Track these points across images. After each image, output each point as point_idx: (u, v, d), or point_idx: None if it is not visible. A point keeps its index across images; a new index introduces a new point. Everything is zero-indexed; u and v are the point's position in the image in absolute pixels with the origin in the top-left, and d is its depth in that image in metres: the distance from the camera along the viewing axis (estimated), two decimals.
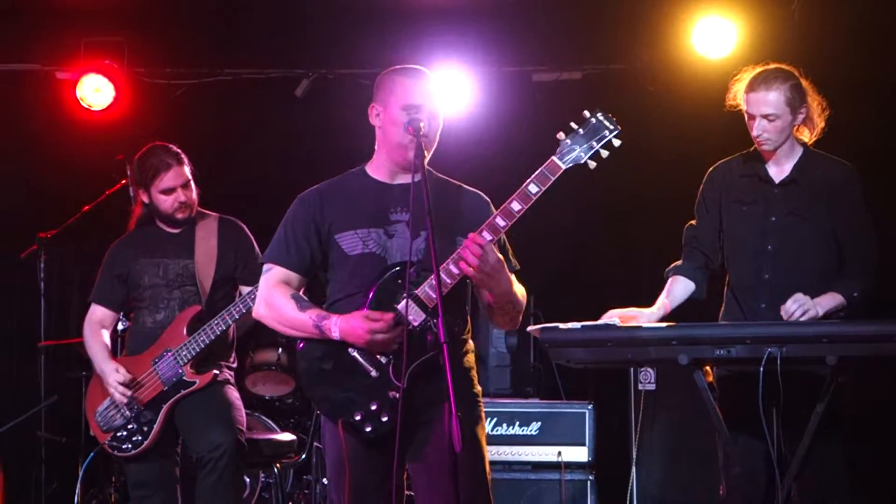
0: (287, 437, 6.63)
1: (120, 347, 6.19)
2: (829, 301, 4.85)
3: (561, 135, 4.13)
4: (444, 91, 4.23)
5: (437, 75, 7.55)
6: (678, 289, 5.13)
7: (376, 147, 4.33)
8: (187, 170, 5.67)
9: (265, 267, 4.30)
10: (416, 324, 4.04)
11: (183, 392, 5.54)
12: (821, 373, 4.61)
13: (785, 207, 5.03)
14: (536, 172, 4.07)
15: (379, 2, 7.64)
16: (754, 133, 4.98)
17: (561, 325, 4.66)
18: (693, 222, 5.24)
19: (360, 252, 4.15)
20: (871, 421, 6.85)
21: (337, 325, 4.05)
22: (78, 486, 6.98)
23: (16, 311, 8.07)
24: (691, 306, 5.14)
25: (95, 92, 7.93)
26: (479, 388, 4.31)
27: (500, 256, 4.06)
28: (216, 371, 5.58)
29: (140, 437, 5.55)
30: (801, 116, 5.00)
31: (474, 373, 4.32)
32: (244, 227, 5.85)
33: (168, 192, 5.62)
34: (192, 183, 5.69)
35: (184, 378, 5.53)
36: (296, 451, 6.88)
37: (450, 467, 3.77)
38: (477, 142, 7.84)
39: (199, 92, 8.17)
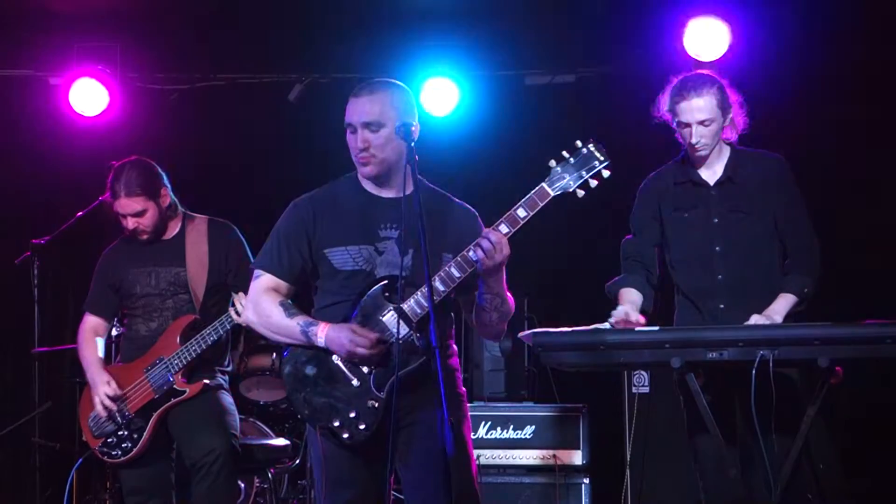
0: (281, 442, 6.63)
1: (114, 354, 6.18)
2: (784, 305, 4.93)
3: (552, 162, 4.19)
4: (392, 101, 4.25)
5: (430, 83, 7.74)
6: (634, 298, 5.15)
7: None
8: (142, 199, 5.59)
9: (255, 273, 4.37)
10: (400, 336, 4.10)
11: (174, 400, 5.53)
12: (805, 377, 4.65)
13: (725, 206, 5.09)
14: (526, 197, 4.16)
15: (372, 6, 7.64)
16: (692, 140, 5.02)
17: (553, 329, 4.67)
18: (630, 237, 5.28)
19: (351, 269, 4.22)
20: (869, 422, 6.88)
21: (324, 333, 4.14)
22: (67, 491, 6.97)
23: (9, 317, 8.05)
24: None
25: (88, 97, 7.93)
26: (463, 389, 4.40)
27: (508, 252, 4.12)
28: (207, 380, 5.57)
29: (129, 444, 5.54)
30: (728, 117, 5.06)
31: (458, 374, 4.40)
32: (235, 228, 5.83)
33: (122, 216, 5.65)
34: (149, 211, 5.62)
35: (174, 387, 5.53)
36: (290, 456, 6.89)
37: (443, 469, 3.79)
38: (470, 145, 7.85)
39: (192, 97, 8.17)
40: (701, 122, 5.00)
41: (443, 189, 4.43)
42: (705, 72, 5.17)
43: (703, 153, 5.08)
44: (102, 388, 5.56)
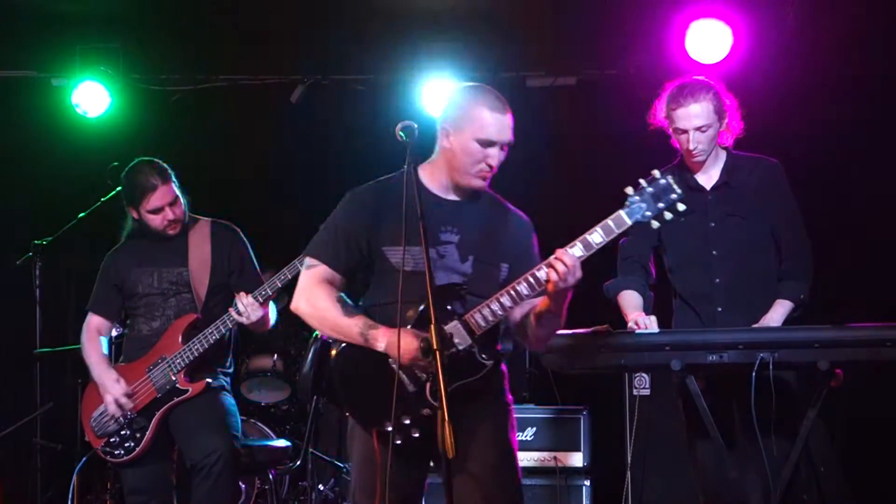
0: (282, 443, 6.64)
1: (116, 354, 6.19)
2: (781, 313, 4.95)
3: (629, 190, 4.10)
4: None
5: (432, 84, 7.76)
6: (636, 300, 5.16)
7: (438, 158, 4.27)
8: (174, 186, 5.64)
9: (308, 261, 4.28)
10: (461, 347, 4.06)
11: (176, 400, 5.54)
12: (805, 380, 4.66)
13: (721, 211, 5.10)
14: (601, 223, 4.09)
15: (373, 8, 7.64)
16: (690, 146, 5.04)
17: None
18: (627, 238, 5.29)
19: (410, 269, 4.09)
20: (870, 425, 6.88)
21: (384, 338, 4.05)
22: (70, 492, 6.98)
23: (11, 317, 8.06)
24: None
25: (91, 98, 7.94)
26: (510, 398, 4.37)
27: (580, 276, 4.06)
28: (209, 380, 5.58)
29: (132, 444, 5.55)
30: (724, 122, 5.07)
31: (506, 382, 4.36)
32: (238, 230, 5.84)
33: (156, 211, 5.61)
34: (180, 199, 5.66)
35: (177, 386, 5.53)
36: (291, 457, 6.89)
37: (445, 470, 3.80)
38: None
39: (194, 98, 8.18)
40: (698, 129, 5.01)
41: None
42: (700, 78, 5.18)
43: (700, 159, 5.10)
44: (113, 386, 5.56)
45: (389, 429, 4.04)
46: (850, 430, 6.66)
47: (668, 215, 4.07)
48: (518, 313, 4.24)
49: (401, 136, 4.11)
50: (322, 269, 4.23)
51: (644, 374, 6.37)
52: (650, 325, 5.01)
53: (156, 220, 5.62)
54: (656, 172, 4.09)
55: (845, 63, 7.21)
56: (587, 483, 6.68)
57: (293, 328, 7.96)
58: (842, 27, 7.18)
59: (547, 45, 7.92)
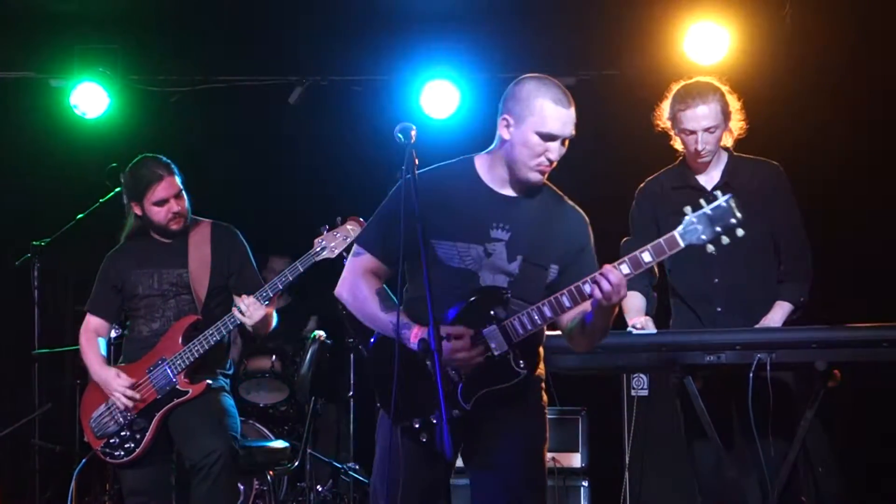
0: (280, 444, 6.64)
1: (115, 355, 6.20)
2: (781, 315, 4.97)
3: (688, 209, 3.97)
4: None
5: (431, 85, 7.76)
6: (639, 302, 5.17)
7: (498, 150, 4.16)
8: (178, 179, 5.66)
9: (356, 249, 4.23)
10: (497, 353, 4.01)
11: (176, 401, 5.54)
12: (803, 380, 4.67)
13: None
14: (654, 242, 3.97)
15: (372, 9, 7.65)
16: (698, 147, 5.04)
17: (552, 332, 4.68)
18: (629, 239, 5.30)
19: (457, 266, 4.07)
20: (867, 425, 6.88)
21: (417, 339, 3.97)
22: (70, 494, 6.98)
23: (10, 318, 8.07)
24: None
25: (89, 99, 7.94)
26: (545, 400, 4.30)
27: (625, 293, 3.98)
28: (209, 381, 5.58)
29: (132, 445, 5.55)
30: (729, 123, 5.08)
31: (542, 388, 4.29)
32: (238, 232, 5.84)
33: (161, 203, 5.61)
34: (184, 192, 5.68)
35: (177, 387, 5.53)
36: (289, 458, 6.89)
37: (445, 471, 3.88)
38: (470, 148, 7.82)
39: (192, 99, 8.18)
40: (706, 130, 5.01)
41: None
42: (707, 79, 5.17)
43: (706, 160, 5.10)
44: (115, 382, 5.55)
45: (416, 426, 4.02)
46: (848, 430, 6.67)
47: (724, 239, 3.92)
48: (566, 317, 4.14)
49: (399, 138, 4.06)
50: (367, 259, 4.19)
51: (642, 375, 6.38)
52: (647, 326, 5.02)
53: (160, 214, 5.63)
54: (718, 193, 3.97)
55: (842, 64, 7.21)
56: (585, 484, 6.69)
57: (292, 330, 7.97)
58: (838, 28, 7.19)
59: (545, 45, 7.93)
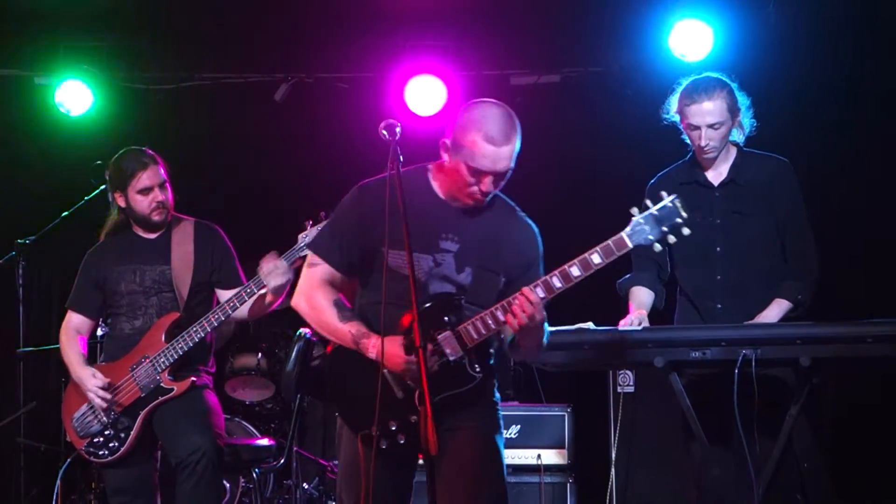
0: (266, 442, 6.63)
1: (98, 353, 6.18)
2: (777, 312, 4.96)
3: (634, 211, 4.04)
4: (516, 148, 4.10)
5: (419, 80, 7.76)
6: (644, 297, 5.17)
7: (445, 163, 4.17)
8: (163, 171, 5.68)
9: (311, 258, 4.26)
10: (452, 358, 4.05)
11: (160, 399, 5.53)
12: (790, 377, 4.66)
13: (727, 208, 5.11)
14: (602, 244, 4.03)
15: (357, 6, 7.64)
16: (701, 143, 5.04)
17: None
18: None
19: (406, 273, 4.02)
20: (853, 422, 6.90)
21: (375, 348, 4.03)
22: (55, 492, 6.96)
23: None
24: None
25: (74, 97, 7.92)
26: (498, 396, 4.36)
27: (545, 315, 4.06)
28: (194, 378, 5.57)
29: (117, 444, 5.54)
30: (737, 120, 5.08)
31: (495, 383, 4.35)
32: (220, 230, 5.84)
33: (145, 192, 5.62)
34: (168, 184, 5.69)
35: (161, 385, 5.52)
36: (275, 455, 6.87)
37: (428, 468, 3.81)
38: None
39: (178, 96, 8.16)
40: (711, 126, 5.01)
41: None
42: (715, 75, 5.17)
43: (711, 156, 5.10)
44: (91, 381, 5.54)
45: (375, 433, 4.04)
46: (834, 427, 6.69)
47: (671, 239, 4.01)
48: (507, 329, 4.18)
49: (384, 135, 4.09)
50: (323, 269, 4.22)
51: (628, 372, 6.39)
52: (635, 322, 5.00)
53: (143, 203, 5.63)
54: (664, 194, 4.03)
55: (827, 60, 7.22)
56: (571, 480, 6.68)
57: (278, 327, 7.96)
58: (823, 24, 7.20)
59: (531, 42, 7.93)
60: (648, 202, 4.00)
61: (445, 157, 4.13)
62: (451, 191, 4.16)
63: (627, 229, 4.01)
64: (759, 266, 5.09)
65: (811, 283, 5.06)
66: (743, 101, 5.14)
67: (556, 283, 4.02)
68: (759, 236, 5.10)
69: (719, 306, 5.09)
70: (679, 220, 3.99)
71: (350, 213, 4.21)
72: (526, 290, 3.99)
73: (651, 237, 3.99)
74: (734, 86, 5.13)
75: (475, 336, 4.04)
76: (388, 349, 4.00)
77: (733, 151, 5.19)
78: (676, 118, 5.16)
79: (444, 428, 4.06)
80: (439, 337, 4.05)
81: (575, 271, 4.00)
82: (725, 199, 5.12)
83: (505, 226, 4.23)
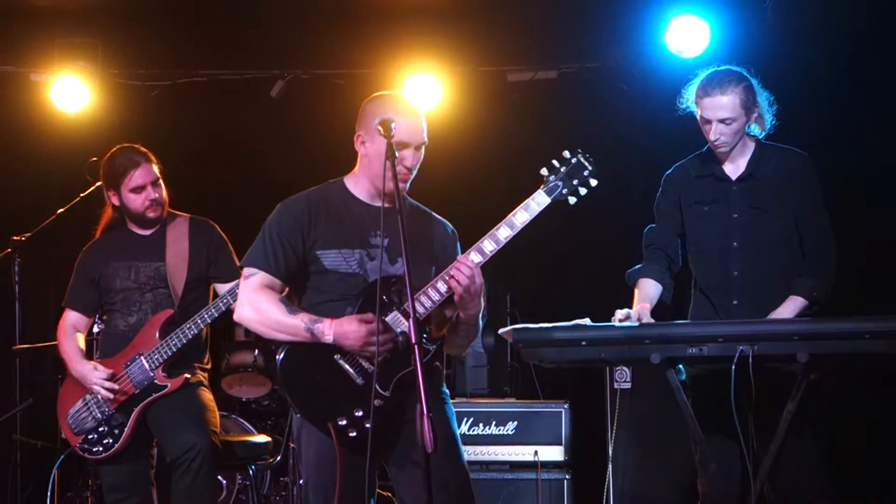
0: (262, 438, 6.63)
1: (94, 350, 6.17)
2: (791, 308, 4.91)
3: (544, 171, 4.39)
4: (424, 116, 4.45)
5: (412, 79, 7.75)
6: (651, 290, 5.14)
7: (358, 167, 4.43)
8: (156, 168, 5.67)
9: (247, 271, 4.36)
10: (402, 338, 4.17)
11: (154, 395, 5.52)
12: (794, 370, 4.64)
13: (745, 203, 5.06)
14: (523, 203, 4.34)
15: (354, 2, 7.63)
16: (711, 137, 5.01)
17: (533, 325, 4.67)
18: (653, 225, 5.27)
19: (344, 271, 4.28)
20: (851, 418, 6.90)
21: (331, 330, 4.16)
22: (50, 488, 6.95)
23: None
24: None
25: (70, 94, 7.90)
26: (447, 388, 4.53)
27: (483, 280, 4.24)
28: (188, 375, 5.56)
29: (111, 440, 5.53)
30: (754, 116, 5.04)
31: (442, 375, 4.54)
32: (215, 226, 5.84)
33: (138, 190, 5.62)
34: (161, 181, 5.68)
35: (155, 381, 5.52)
36: (272, 452, 6.88)
37: (425, 466, 3.83)
38: (452, 142, 7.84)
39: (173, 93, 8.16)
40: (722, 121, 4.97)
41: (419, 193, 4.52)
42: (735, 69, 5.12)
43: (723, 150, 5.05)
44: (93, 375, 5.54)
45: (342, 423, 4.14)
46: (831, 423, 6.68)
47: (582, 191, 4.42)
48: (448, 312, 4.37)
49: (379, 131, 4.19)
50: (261, 277, 4.33)
51: (625, 368, 6.37)
52: (634, 316, 4.96)
53: (137, 201, 5.62)
54: (566, 153, 4.41)
55: (823, 57, 7.21)
56: (568, 477, 6.69)
57: None
58: (820, 21, 7.19)
59: (527, 39, 7.93)
60: (555, 162, 4.40)
61: (362, 149, 4.36)
62: (373, 185, 4.34)
63: (543, 187, 4.37)
64: (776, 262, 5.03)
65: (828, 280, 4.99)
66: (763, 96, 5.09)
67: (488, 245, 4.27)
68: (777, 232, 5.04)
69: (735, 302, 5.04)
70: (586, 173, 4.43)
71: (280, 226, 4.35)
72: (461, 256, 4.25)
73: (565, 192, 4.40)
74: (754, 81, 5.06)
75: (421, 311, 4.18)
76: (345, 327, 4.14)
77: (751, 145, 5.12)
78: (693, 108, 5.11)
79: (404, 420, 4.23)
80: (387, 318, 4.19)
81: (503, 232, 4.28)
82: (743, 194, 5.07)
83: (427, 225, 4.50)
